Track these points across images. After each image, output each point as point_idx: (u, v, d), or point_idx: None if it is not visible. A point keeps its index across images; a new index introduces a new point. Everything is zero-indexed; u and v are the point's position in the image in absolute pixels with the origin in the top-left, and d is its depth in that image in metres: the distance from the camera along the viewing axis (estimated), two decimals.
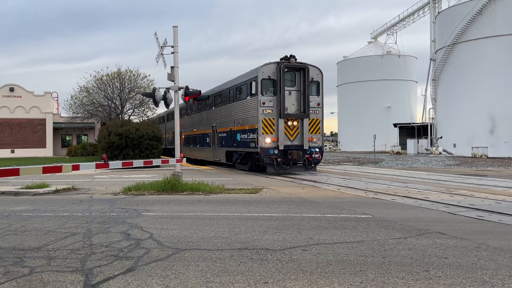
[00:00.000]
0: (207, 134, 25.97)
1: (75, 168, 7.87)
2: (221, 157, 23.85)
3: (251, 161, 20.35)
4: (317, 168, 20.22)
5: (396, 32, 64.17)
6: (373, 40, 69.89)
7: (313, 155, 18.96)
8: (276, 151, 18.49)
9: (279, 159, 18.36)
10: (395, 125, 57.31)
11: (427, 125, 50.45)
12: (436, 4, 50.34)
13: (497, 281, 4.37)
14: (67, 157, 41.97)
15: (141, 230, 6.99)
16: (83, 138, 52.40)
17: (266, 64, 19.07)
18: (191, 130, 29.91)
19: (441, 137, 45.78)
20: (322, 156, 19.68)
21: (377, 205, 9.77)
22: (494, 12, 39.39)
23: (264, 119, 18.64)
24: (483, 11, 39.74)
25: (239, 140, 20.83)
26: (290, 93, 19.03)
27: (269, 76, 18.89)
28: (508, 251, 5.56)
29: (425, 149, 47.90)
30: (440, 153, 43.22)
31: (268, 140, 18.57)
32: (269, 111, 18.76)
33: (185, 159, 14.31)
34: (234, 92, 21.97)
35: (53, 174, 13.85)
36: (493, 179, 16.60)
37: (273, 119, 18.75)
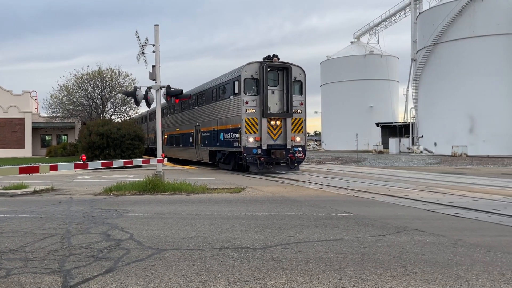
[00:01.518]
0: (190, 133, 25.84)
1: (53, 168, 7.74)
2: (204, 157, 23.77)
3: (234, 160, 20.33)
4: (300, 167, 20.32)
5: (378, 32, 64.99)
6: (355, 40, 70.58)
7: (296, 155, 19.05)
8: (259, 151, 18.52)
9: (262, 158, 18.39)
10: (377, 124, 58.03)
11: (408, 124, 51.22)
12: (417, 5, 51.15)
13: (471, 276, 4.47)
14: (47, 157, 41.19)
15: (121, 231, 6.93)
16: (63, 138, 51.49)
17: (249, 64, 19.08)
18: (174, 129, 29.72)
19: (422, 136, 46.53)
20: (305, 156, 19.79)
21: (358, 204, 9.89)
22: (473, 13, 40.22)
23: (247, 118, 18.65)
24: (462, 12, 40.53)
25: (222, 139, 20.80)
26: (273, 93, 19.08)
27: (252, 76, 18.91)
28: (483, 247, 5.69)
29: (407, 148, 48.63)
30: (421, 152, 43.92)
31: (251, 139, 18.59)
32: (252, 110, 18.78)
33: (166, 158, 14.21)
34: (217, 92, 21.92)
35: (32, 174, 13.58)
36: (472, 177, 16.96)
37: (256, 118, 18.77)
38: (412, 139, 49.19)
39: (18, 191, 12.31)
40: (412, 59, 49.83)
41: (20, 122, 46.76)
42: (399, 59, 68.52)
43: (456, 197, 10.71)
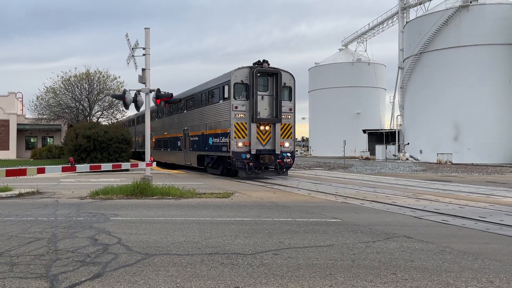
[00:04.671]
0: (179, 137, 25.71)
1: (40, 171, 7.61)
2: (192, 161, 23.65)
3: (223, 165, 20.28)
4: (288, 173, 20.35)
5: (366, 40, 65.69)
6: (344, 47, 71.21)
7: (284, 160, 19.08)
8: (248, 156, 18.50)
9: (251, 163, 18.38)
10: (364, 131, 58.51)
11: (395, 132, 51.77)
12: (405, 14, 51.91)
13: (460, 284, 4.52)
14: (32, 159, 40.53)
15: (109, 235, 6.83)
16: (48, 140, 50.75)
17: (239, 68, 19.10)
18: (162, 133, 29.54)
19: (408, 143, 47.04)
20: (293, 161, 19.83)
21: (347, 210, 9.93)
22: (459, 23, 40.96)
23: (237, 123, 18.64)
24: (449, 22, 41.24)
25: (211, 144, 20.73)
26: (262, 98, 19.12)
27: (242, 81, 18.93)
28: (471, 254, 5.76)
29: (393, 155, 49.10)
30: (407, 159, 44.38)
31: (240, 144, 18.57)
32: (242, 115, 18.78)
33: (155, 162, 14.10)
34: (207, 96, 21.87)
35: (17, 177, 13.34)
36: (457, 184, 17.18)
37: (246, 123, 18.77)
38: (398, 146, 49.71)
39: (3, 194, 12.07)
40: (399, 67, 50.49)
41: (5, 123, 45.98)
42: (386, 67, 69.41)
43: (442, 204, 10.83)
